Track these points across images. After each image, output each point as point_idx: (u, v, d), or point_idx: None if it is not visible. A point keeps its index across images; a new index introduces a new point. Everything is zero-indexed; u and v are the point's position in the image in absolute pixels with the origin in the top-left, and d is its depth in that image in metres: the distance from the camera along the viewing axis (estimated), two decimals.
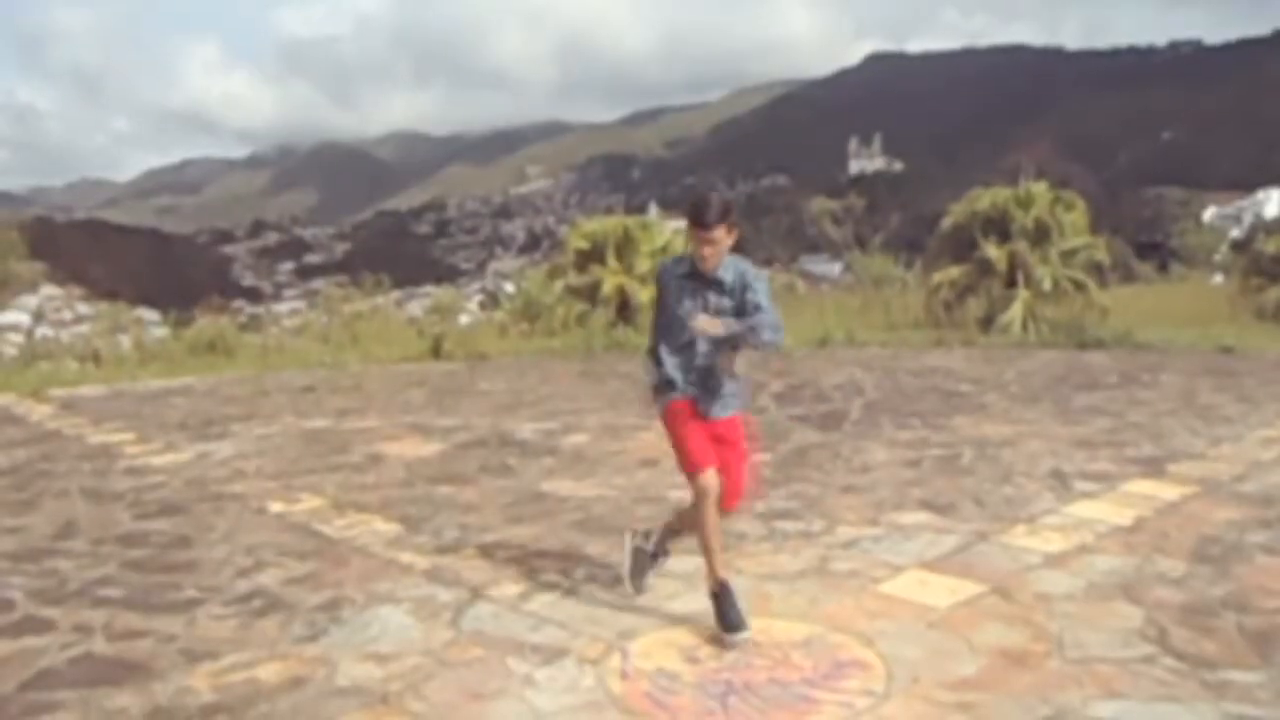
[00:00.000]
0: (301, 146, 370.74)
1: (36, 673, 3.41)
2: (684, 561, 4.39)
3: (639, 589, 3.96)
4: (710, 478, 3.59)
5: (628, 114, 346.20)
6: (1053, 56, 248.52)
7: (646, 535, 4.05)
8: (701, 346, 3.64)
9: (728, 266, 3.62)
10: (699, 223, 3.53)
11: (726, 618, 3.55)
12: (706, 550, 3.66)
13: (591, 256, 15.52)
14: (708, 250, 3.55)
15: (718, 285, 3.62)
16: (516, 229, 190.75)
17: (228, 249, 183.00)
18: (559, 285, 15.95)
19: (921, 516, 5.09)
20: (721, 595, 3.60)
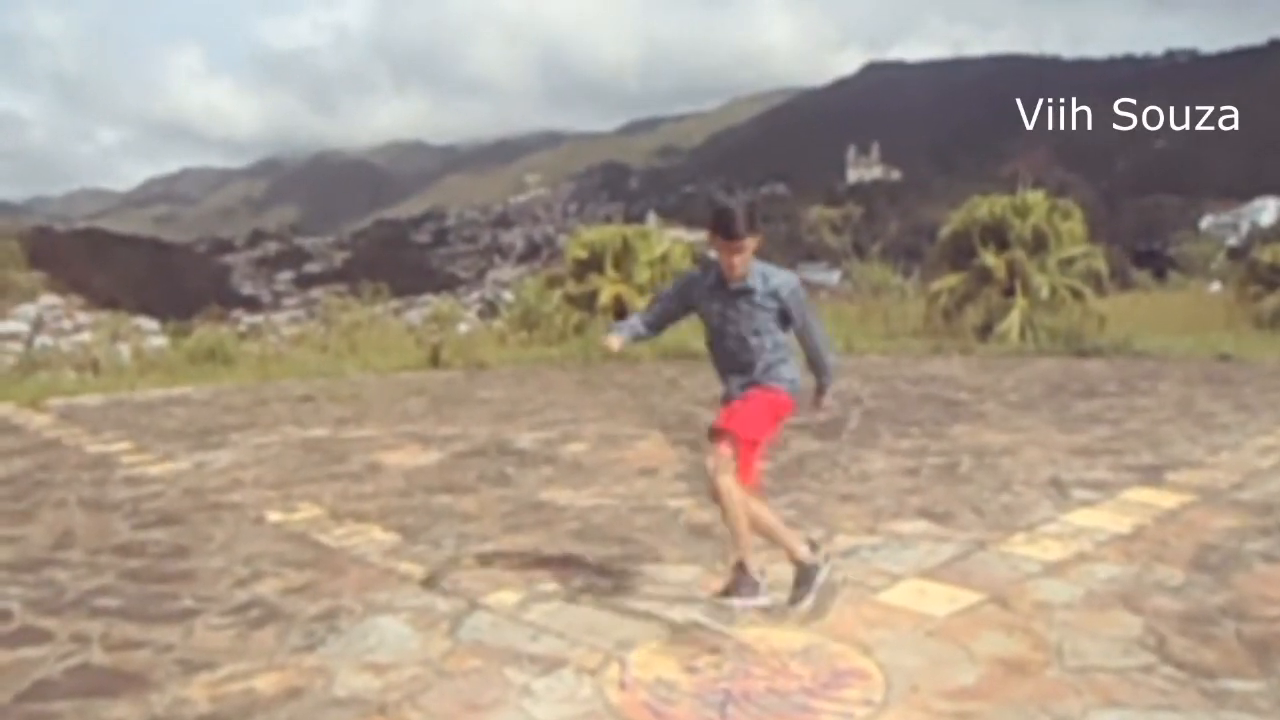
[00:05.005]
0: (300, 156, 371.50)
1: (33, 683, 3.39)
2: (681, 571, 4.40)
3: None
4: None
5: (625, 123, 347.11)
6: (1049, 65, 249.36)
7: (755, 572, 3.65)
8: (729, 342, 3.62)
9: (754, 273, 3.56)
10: (728, 235, 3.45)
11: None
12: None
13: (590, 265, 15.56)
14: (736, 260, 3.48)
15: (748, 293, 3.56)
16: (515, 238, 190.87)
17: (227, 258, 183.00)
18: (557, 294, 15.98)
19: (920, 525, 5.08)
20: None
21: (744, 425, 3.56)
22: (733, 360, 3.67)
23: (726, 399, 3.70)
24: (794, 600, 3.63)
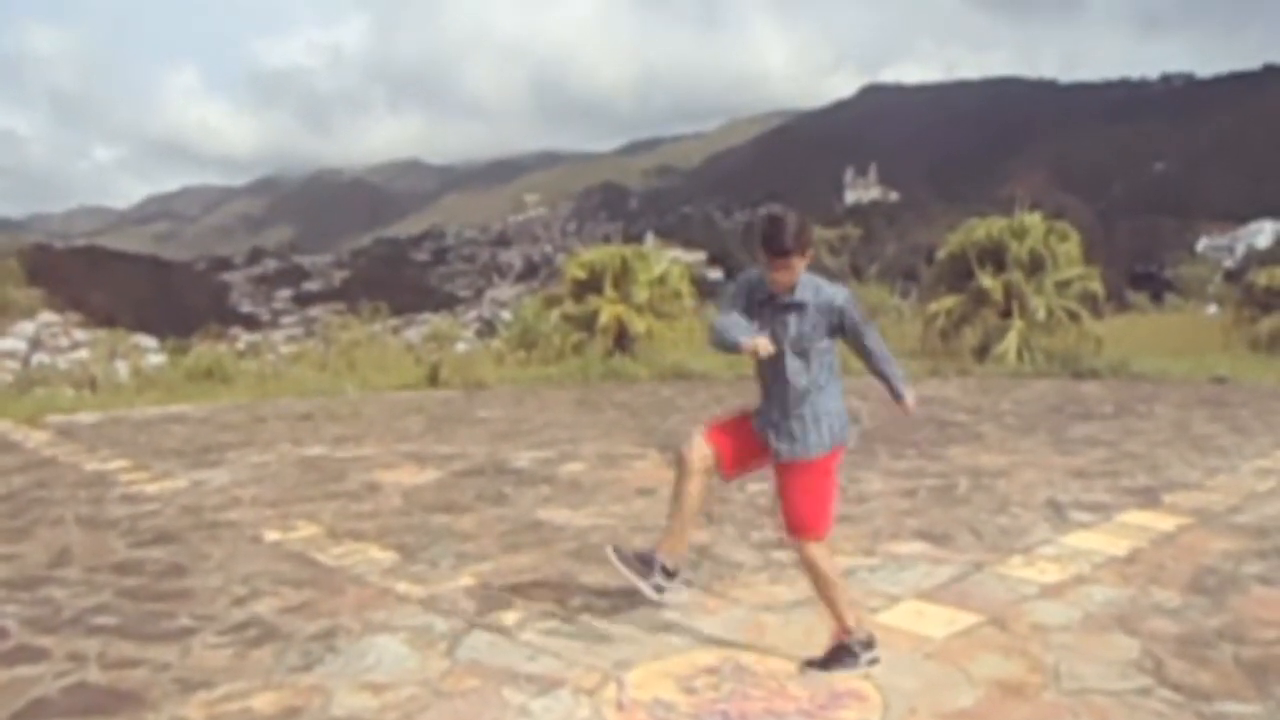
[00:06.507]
0: (297, 175, 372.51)
1: (29, 702, 3.38)
2: (679, 592, 4.39)
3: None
4: (690, 445, 3.61)
5: (625, 144, 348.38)
6: (1046, 88, 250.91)
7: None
8: (783, 370, 3.46)
9: (804, 285, 3.44)
10: (774, 250, 3.31)
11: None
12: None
13: (589, 286, 15.58)
14: (781, 276, 3.37)
15: (798, 308, 3.43)
16: (514, 257, 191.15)
17: (226, 276, 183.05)
18: (555, 314, 16.01)
19: (918, 546, 5.09)
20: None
21: (815, 523, 3.54)
22: (777, 384, 3.51)
23: (764, 426, 3.56)
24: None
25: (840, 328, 3.48)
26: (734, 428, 3.67)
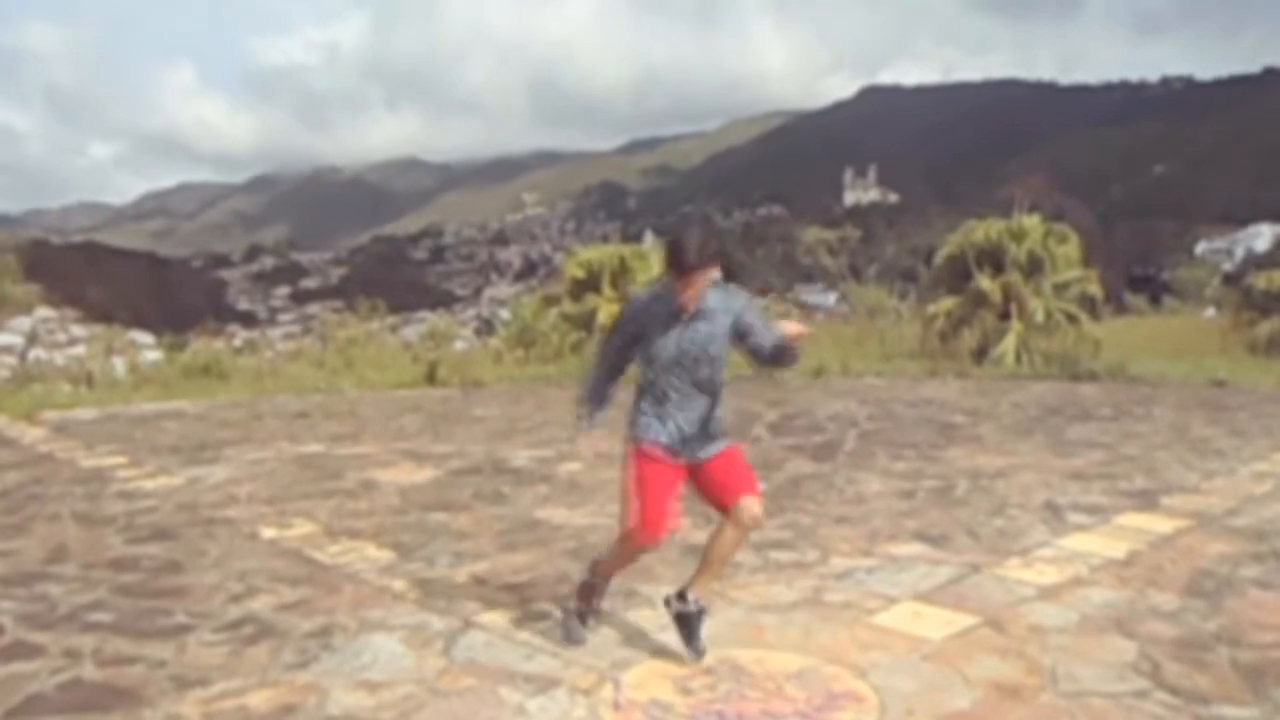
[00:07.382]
0: (294, 173, 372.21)
1: (25, 698, 3.38)
2: None
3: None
4: (650, 544, 3.60)
5: (624, 143, 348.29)
6: (1045, 90, 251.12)
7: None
8: (686, 374, 3.50)
9: (711, 295, 3.49)
10: (680, 268, 3.37)
11: (571, 635, 3.81)
12: (602, 575, 3.82)
13: (587, 285, 15.58)
14: (690, 294, 3.41)
15: (707, 316, 3.48)
16: (512, 256, 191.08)
17: (223, 273, 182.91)
18: (554, 313, 16.01)
19: (915, 548, 5.09)
20: (582, 616, 3.84)
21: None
22: (691, 393, 3.53)
23: (679, 449, 3.54)
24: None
25: (740, 328, 3.51)
26: (664, 489, 3.58)
